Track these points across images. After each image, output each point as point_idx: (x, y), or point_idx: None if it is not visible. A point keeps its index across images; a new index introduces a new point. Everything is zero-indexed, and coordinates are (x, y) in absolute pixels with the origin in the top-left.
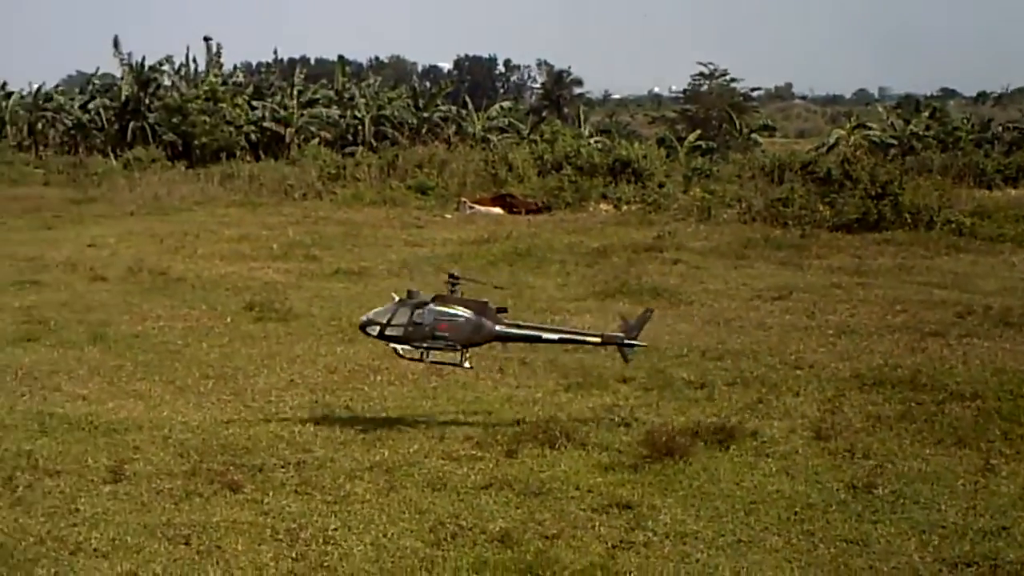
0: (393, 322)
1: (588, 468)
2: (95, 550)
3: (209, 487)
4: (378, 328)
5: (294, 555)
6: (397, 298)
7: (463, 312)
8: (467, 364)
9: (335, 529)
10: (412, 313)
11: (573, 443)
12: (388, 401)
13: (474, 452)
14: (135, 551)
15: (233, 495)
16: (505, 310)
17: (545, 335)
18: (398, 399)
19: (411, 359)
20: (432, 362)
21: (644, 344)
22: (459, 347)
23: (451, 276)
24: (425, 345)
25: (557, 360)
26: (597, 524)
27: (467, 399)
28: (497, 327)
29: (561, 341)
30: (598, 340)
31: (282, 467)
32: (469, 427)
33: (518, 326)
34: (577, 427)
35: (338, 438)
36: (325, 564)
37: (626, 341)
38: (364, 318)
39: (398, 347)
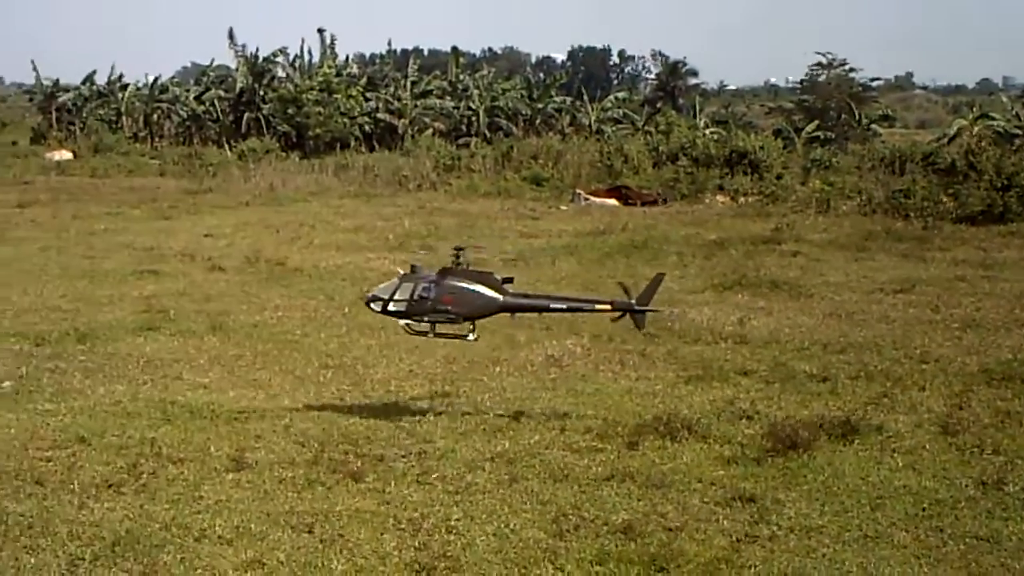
0: (396, 297)
1: (710, 461)
2: (219, 537)
3: (331, 476)
4: (381, 303)
5: (417, 544)
6: (401, 272)
7: (467, 284)
8: (472, 336)
9: (457, 519)
10: (415, 288)
11: (694, 436)
12: (508, 392)
13: (595, 444)
14: (259, 539)
15: (355, 484)
16: (511, 280)
17: (553, 304)
18: (517, 390)
19: (417, 333)
20: (438, 335)
21: (656, 309)
22: (463, 319)
23: (456, 248)
24: (427, 319)
25: (677, 352)
26: (720, 517)
27: (587, 391)
28: (503, 298)
29: (569, 310)
30: (608, 307)
31: (403, 457)
32: (589, 419)
33: (525, 296)
34: (698, 419)
35: (458, 428)
36: (448, 554)
37: (638, 307)
38: (369, 294)
39: (404, 322)
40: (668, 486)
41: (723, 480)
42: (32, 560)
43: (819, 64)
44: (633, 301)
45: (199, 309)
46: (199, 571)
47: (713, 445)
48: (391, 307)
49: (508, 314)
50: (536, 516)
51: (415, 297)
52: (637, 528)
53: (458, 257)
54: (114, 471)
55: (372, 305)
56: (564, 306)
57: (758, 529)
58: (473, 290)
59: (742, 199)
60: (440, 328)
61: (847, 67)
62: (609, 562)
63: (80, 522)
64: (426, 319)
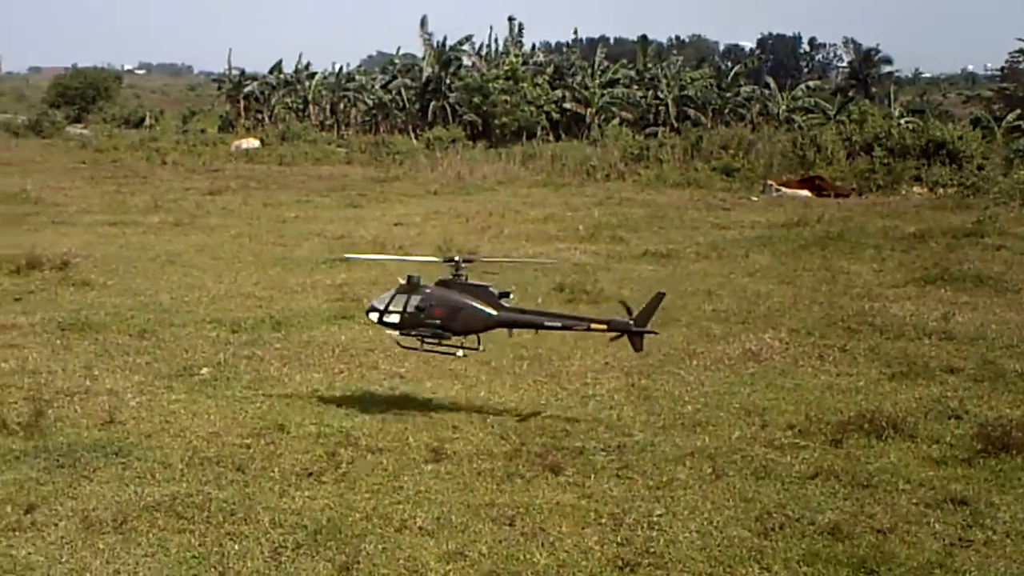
0: (391, 308)
1: (918, 461)
2: (420, 528)
3: (530, 468)
4: (378, 314)
5: (619, 540)
6: (400, 282)
7: (459, 298)
8: (461, 352)
9: (659, 515)
10: (408, 299)
11: (901, 434)
12: (705, 386)
13: (797, 441)
14: (460, 530)
15: (555, 477)
16: (508, 294)
17: (547, 321)
18: (715, 384)
19: (408, 347)
20: (427, 350)
21: (654, 332)
22: (456, 334)
23: (448, 259)
24: (414, 333)
25: (879, 348)
26: (931, 520)
27: (786, 386)
28: (497, 313)
29: (564, 327)
30: (604, 327)
31: (602, 450)
32: (790, 415)
33: (520, 311)
34: (904, 418)
35: (657, 422)
36: (651, 550)
37: (635, 328)
38: (369, 304)
39: (393, 333)
40: (875, 486)
41: (932, 481)
42: (236, 547)
43: (1020, 51)
44: (631, 321)
45: None
46: (401, 562)
47: (921, 444)
48: (386, 318)
49: (506, 329)
50: (740, 514)
51: (409, 309)
52: (845, 529)
53: (457, 269)
54: (313, 459)
55: (370, 315)
56: (559, 323)
57: (972, 533)
58: (466, 304)
59: (941, 190)
60: (429, 343)
61: None
62: (817, 563)
63: (282, 510)
64: (415, 332)
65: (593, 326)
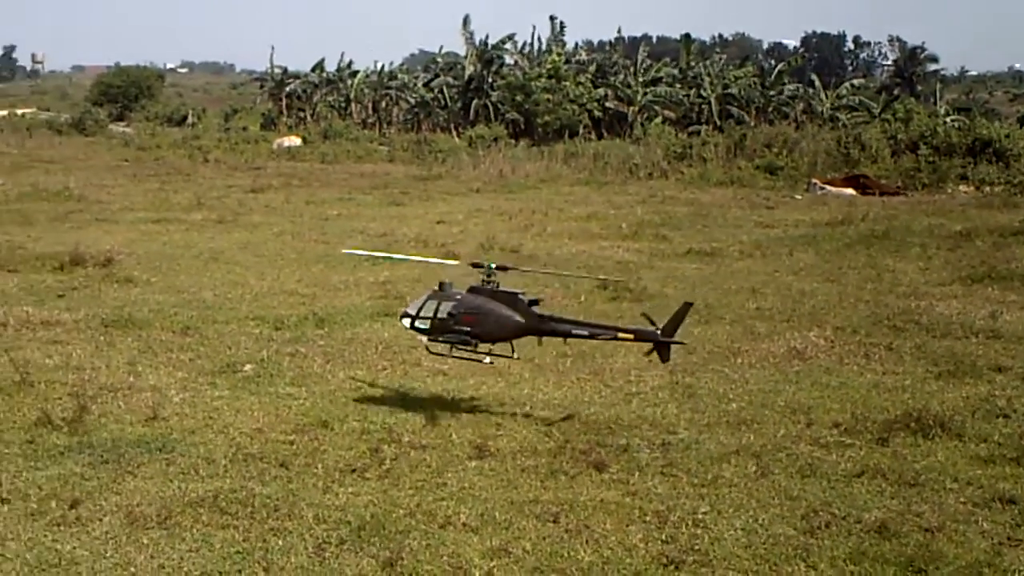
0: (422, 313)
1: (966, 460)
2: (464, 524)
3: (575, 466)
4: (409, 320)
5: (664, 537)
6: (432, 289)
7: (489, 305)
8: (488, 360)
9: (704, 513)
10: (439, 305)
11: (948, 433)
12: (750, 384)
13: (843, 439)
14: (504, 527)
15: (599, 475)
16: (537, 302)
17: (575, 330)
18: (760, 382)
19: (436, 353)
20: (455, 357)
21: (682, 342)
22: (478, 341)
23: (476, 265)
24: (442, 339)
25: (925, 346)
26: (979, 518)
27: (832, 384)
28: (526, 320)
29: (591, 336)
30: (630, 336)
31: (647, 448)
32: (836, 413)
33: (550, 319)
34: (951, 416)
35: (702, 420)
36: (696, 548)
37: (662, 339)
38: (402, 309)
39: (422, 339)
40: (922, 485)
41: (980, 480)
42: (280, 542)
43: None
44: (658, 331)
45: None
46: (444, 558)
47: (968, 443)
48: (417, 324)
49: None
50: (785, 512)
51: (439, 315)
52: (892, 527)
53: (488, 276)
54: (357, 456)
55: (403, 321)
56: (586, 332)
57: (1020, 532)
58: (496, 311)
59: (987, 189)
60: (459, 350)
61: None
62: (864, 562)
63: (325, 506)
64: (444, 339)
65: (620, 335)
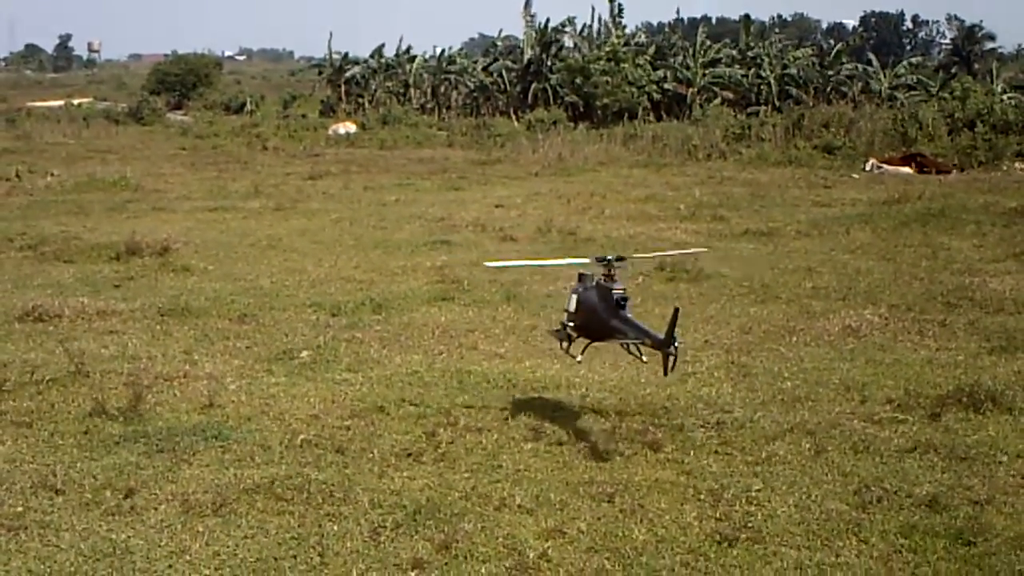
0: (566, 306)
1: (1016, 434)
2: (519, 506)
3: (630, 446)
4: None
5: (718, 515)
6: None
7: (595, 300)
8: (579, 358)
9: (758, 490)
10: (570, 299)
11: (999, 408)
12: (805, 362)
13: (896, 415)
14: (559, 508)
15: (654, 454)
16: (626, 300)
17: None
18: (815, 360)
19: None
20: (567, 352)
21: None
22: (590, 340)
23: (601, 259)
24: (557, 333)
25: (978, 322)
26: None
27: (886, 361)
28: (611, 321)
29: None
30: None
31: (702, 427)
32: (889, 389)
33: (629, 322)
34: (1003, 391)
35: (756, 399)
36: (749, 525)
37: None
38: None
39: (553, 328)
40: (973, 459)
41: None
42: (335, 527)
43: None
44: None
45: (492, 279)
46: (500, 540)
47: (1019, 418)
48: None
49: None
50: (838, 488)
51: (570, 309)
52: (942, 501)
53: (609, 269)
54: (413, 440)
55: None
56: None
57: None
58: (597, 307)
59: None
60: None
61: None
62: (914, 535)
63: (381, 490)
64: (556, 333)
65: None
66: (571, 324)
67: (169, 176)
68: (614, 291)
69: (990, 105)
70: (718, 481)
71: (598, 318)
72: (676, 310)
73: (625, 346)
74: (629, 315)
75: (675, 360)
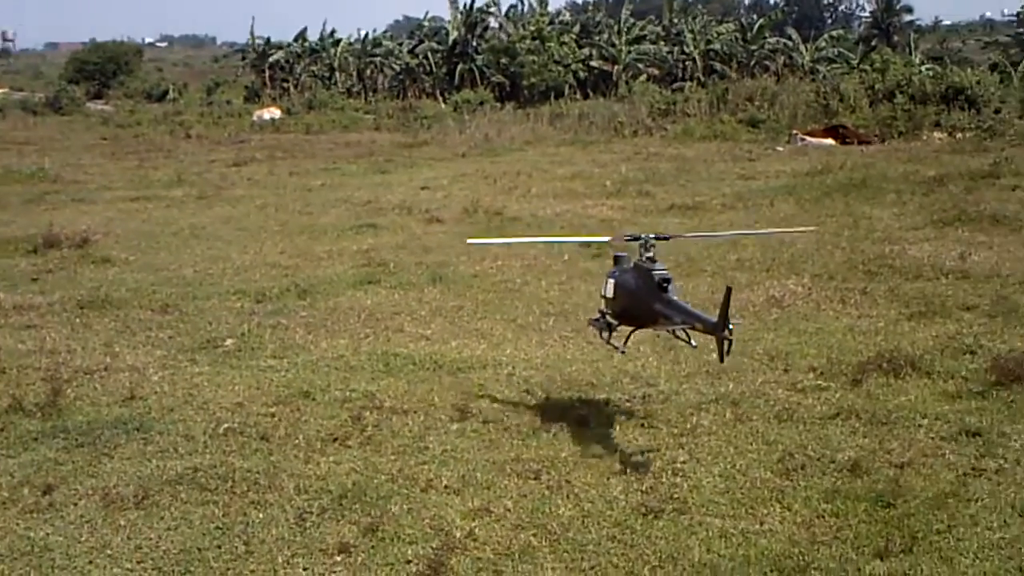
0: (604, 293)
1: (935, 396)
2: (446, 487)
3: (556, 423)
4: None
5: (643, 488)
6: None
7: (633, 281)
8: (622, 349)
9: (683, 461)
10: (606, 283)
11: (918, 372)
12: (732, 334)
13: (819, 383)
14: (485, 487)
15: (580, 430)
16: (669, 281)
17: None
18: (740, 331)
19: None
20: (607, 341)
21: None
22: (628, 326)
23: (634, 237)
24: (594, 323)
25: (898, 289)
26: (946, 452)
27: (809, 330)
28: (656, 304)
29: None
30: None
31: (627, 401)
32: (812, 357)
33: (674, 305)
34: (921, 356)
35: (682, 371)
36: (675, 496)
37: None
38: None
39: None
40: (893, 423)
41: (948, 415)
42: (260, 515)
43: None
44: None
45: (418, 261)
46: (426, 521)
47: (937, 381)
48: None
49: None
50: (762, 456)
51: (607, 294)
52: (864, 465)
53: (646, 248)
54: (339, 425)
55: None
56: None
57: (984, 463)
58: (636, 290)
59: (959, 135)
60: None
61: None
62: (836, 499)
63: (306, 476)
64: (593, 323)
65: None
66: (610, 311)
67: (89, 166)
68: (655, 272)
69: (909, 76)
70: (643, 454)
71: (639, 302)
72: (728, 290)
73: (672, 332)
74: (675, 297)
75: (731, 344)
